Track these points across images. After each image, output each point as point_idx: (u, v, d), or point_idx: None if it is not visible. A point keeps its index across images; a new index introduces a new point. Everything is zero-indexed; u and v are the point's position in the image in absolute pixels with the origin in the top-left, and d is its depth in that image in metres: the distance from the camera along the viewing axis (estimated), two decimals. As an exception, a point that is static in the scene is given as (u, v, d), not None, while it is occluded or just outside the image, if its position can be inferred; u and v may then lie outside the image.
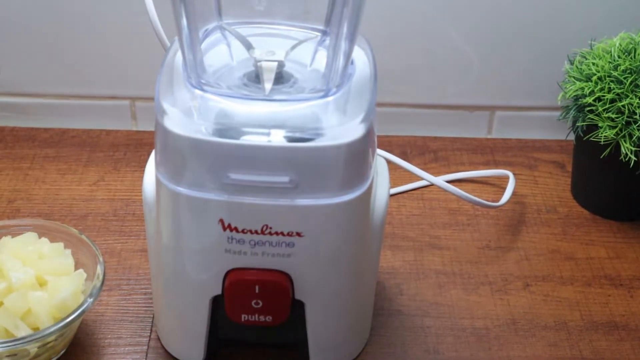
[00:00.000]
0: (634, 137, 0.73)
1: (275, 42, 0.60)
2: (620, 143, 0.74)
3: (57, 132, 0.90)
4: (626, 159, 0.74)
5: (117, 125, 0.91)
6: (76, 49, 0.86)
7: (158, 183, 0.58)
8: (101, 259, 0.66)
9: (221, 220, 0.57)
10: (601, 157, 0.76)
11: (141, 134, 0.90)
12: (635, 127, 0.73)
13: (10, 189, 0.82)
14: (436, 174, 0.83)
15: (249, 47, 0.58)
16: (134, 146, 0.88)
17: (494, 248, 0.78)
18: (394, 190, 0.83)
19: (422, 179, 0.79)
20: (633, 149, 0.73)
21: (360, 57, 0.61)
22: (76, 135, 0.90)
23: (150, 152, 0.63)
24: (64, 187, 0.83)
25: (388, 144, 0.89)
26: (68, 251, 0.67)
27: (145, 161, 0.64)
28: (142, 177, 0.63)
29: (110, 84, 0.89)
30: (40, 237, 0.68)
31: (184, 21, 0.55)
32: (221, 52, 0.60)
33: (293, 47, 0.59)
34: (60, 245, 0.67)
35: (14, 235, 0.68)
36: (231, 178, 0.55)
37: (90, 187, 0.83)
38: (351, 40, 0.56)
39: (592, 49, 0.79)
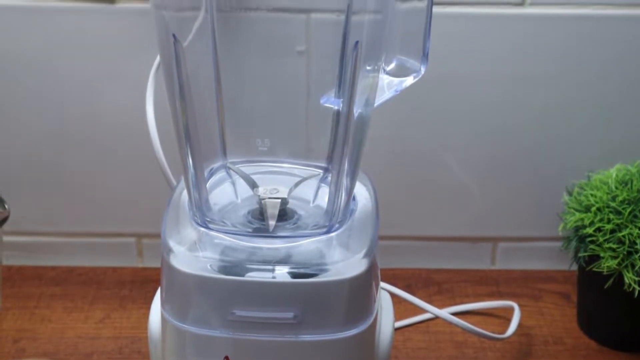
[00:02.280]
0: (637, 267, 0.73)
1: (279, 180, 0.62)
2: (623, 273, 0.74)
3: (63, 270, 0.91)
4: (630, 289, 0.74)
5: (124, 262, 0.91)
6: (82, 188, 0.88)
7: (163, 320, 0.59)
8: (105, 398, 0.65)
9: (226, 357, 0.57)
10: (605, 287, 0.76)
11: (147, 271, 0.91)
12: (637, 257, 0.73)
13: (16, 328, 0.82)
14: (441, 306, 0.83)
15: (253, 185, 0.60)
16: (140, 283, 0.89)
17: (502, 381, 0.77)
18: (399, 324, 0.83)
19: (427, 311, 0.79)
20: (636, 278, 0.73)
21: (362, 192, 0.62)
22: (83, 273, 0.90)
23: (157, 289, 0.64)
24: (70, 325, 0.83)
25: (392, 277, 0.89)
26: (72, 391, 0.67)
27: (152, 298, 0.65)
28: (148, 314, 0.63)
29: (116, 222, 0.90)
30: (44, 377, 0.68)
31: (190, 161, 0.57)
32: (226, 191, 0.62)
33: (296, 185, 0.61)
34: (65, 385, 0.67)
35: (18, 375, 0.68)
36: (236, 315, 0.56)
37: (96, 325, 0.83)
38: (352, 177, 0.58)
39: (589, 180, 0.80)
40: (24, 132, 0.85)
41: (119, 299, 0.86)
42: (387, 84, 0.60)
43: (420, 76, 0.60)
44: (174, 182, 0.70)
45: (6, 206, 0.78)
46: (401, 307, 0.83)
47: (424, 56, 0.59)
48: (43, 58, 0.82)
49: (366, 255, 0.56)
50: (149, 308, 0.64)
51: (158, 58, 0.68)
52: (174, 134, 0.58)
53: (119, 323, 0.83)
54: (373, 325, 0.59)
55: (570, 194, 0.81)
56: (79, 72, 0.83)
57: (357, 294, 0.57)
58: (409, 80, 0.60)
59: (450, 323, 0.78)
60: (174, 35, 0.52)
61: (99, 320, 0.84)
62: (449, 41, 0.80)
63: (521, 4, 0.80)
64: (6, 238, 0.88)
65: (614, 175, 0.78)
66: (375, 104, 0.59)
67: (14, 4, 0.80)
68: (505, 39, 0.81)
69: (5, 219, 0.78)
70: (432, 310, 0.78)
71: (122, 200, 0.89)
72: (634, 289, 0.74)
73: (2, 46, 0.82)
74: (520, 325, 0.82)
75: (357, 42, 0.52)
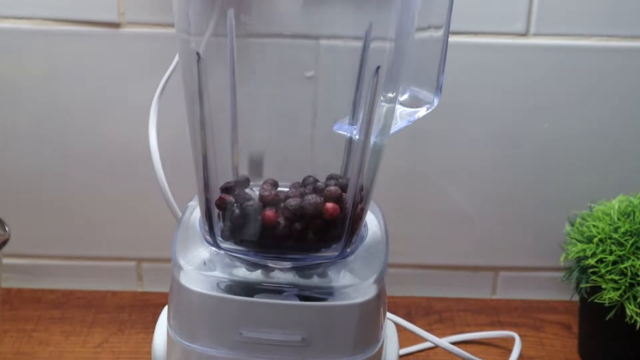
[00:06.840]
0: (639, 299, 0.73)
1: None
2: (625, 305, 0.74)
3: (63, 293, 0.90)
4: (632, 321, 0.74)
5: (123, 286, 0.91)
6: (82, 212, 0.88)
7: (170, 341, 0.59)
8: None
9: (233, 378, 0.56)
10: (606, 318, 0.76)
11: (147, 295, 0.90)
12: (639, 289, 0.73)
13: (13, 351, 0.81)
14: (441, 335, 0.83)
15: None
16: (140, 307, 0.88)
17: (503, 411, 0.77)
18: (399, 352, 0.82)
19: (427, 340, 0.79)
20: (638, 311, 0.73)
21: (372, 220, 0.62)
22: (82, 297, 0.90)
23: (157, 313, 0.64)
24: (68, 349, 0.82)
25: (393, 305, 0.89)
26: (73, 414, 0.66)
27: (151, 322, 0.64)
28: (146, 338, 0.63)
29: (116, 246, 0.90)
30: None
31: (204, 183, 0.57)
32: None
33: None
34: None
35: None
36: (244, 336, 0.56)
37: (94, 349, 0.82)
38: (365, 204, 0.58)
39: (591, 211, 0.81)
40: (25, 155, 0.85)
41: (118, 323, 0.86)
42: (400, 114, 0.60)
43: (433, 108, 0.61)
44: (175, 206, 0.70)
45: (7, 229, 0.78)
46: (401, 336, 0.82)
47: (438, 89, 0.60)
48: (46, 81, 0.82)
49: (376, 281, 0.56)
50: (147, 333, 0.64)
51: (161, 84, 0.68)
52: (184, 159, 0.58)
53: (117, 347, 0.83)
54: (379, 353, 0.59)
55: (572, 224, 0.81)
56: (81, 97, 0.83)
57: (366, 320, 0.57)
58: (422, 112, 0.61)
59: (450, 352, 0.77)
60: (197, 54, 0.52)
61: (97, 345, 0.83)
62: (451, 71, 0.81)
63: (524, 35, 0.81)
64: (6, 260, 0.87)
65: (616, 207, 0.79)
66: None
67: (17, 27, 0.80)
68: (508, 69, 0.82)
69: (5, 242, 0.78)
70: (432, 339, 0.78)
71: (122, 224, 0.88)
72: (635, 321, 0.74)
73: (4, 69, 0.82)
74: (521, 356, 0.82)
75: (378, 68, 0.53)
